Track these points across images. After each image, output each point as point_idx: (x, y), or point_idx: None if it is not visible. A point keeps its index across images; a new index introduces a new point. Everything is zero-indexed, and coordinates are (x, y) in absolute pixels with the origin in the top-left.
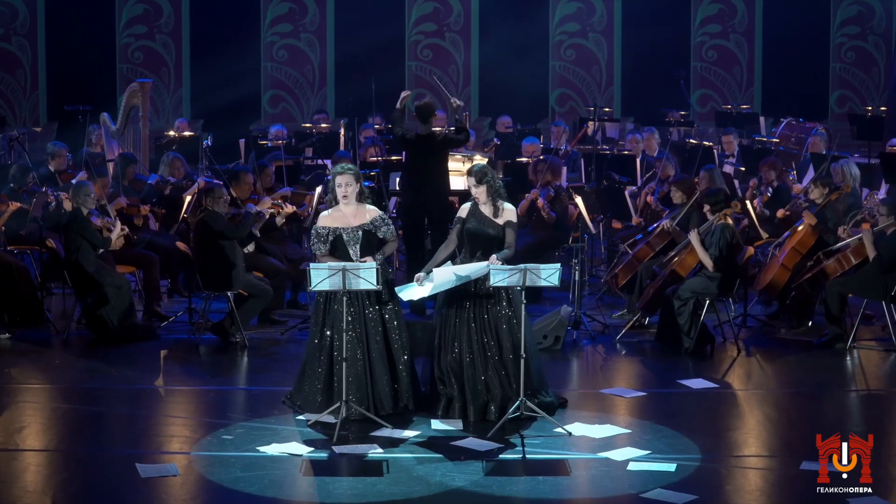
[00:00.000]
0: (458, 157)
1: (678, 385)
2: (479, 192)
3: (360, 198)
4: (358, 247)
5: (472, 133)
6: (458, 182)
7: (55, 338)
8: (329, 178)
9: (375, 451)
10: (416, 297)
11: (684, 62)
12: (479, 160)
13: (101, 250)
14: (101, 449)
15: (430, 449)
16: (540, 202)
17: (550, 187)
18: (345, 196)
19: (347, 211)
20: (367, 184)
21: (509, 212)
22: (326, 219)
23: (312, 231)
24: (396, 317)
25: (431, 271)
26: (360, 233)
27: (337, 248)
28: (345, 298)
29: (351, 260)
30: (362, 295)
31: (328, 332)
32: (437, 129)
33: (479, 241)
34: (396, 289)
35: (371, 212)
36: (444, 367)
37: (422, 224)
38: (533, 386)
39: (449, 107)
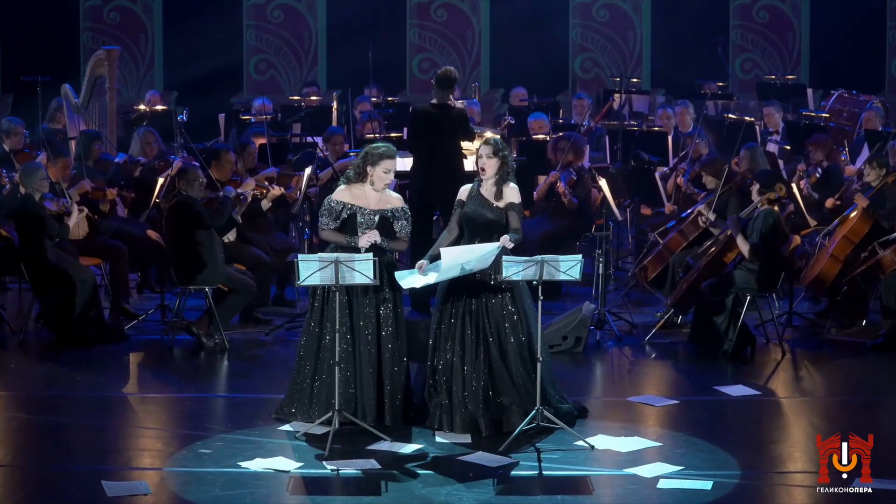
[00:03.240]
0: None
1: (715, 392)
2: (490, 165)
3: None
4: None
5: (478, 105)
6: (470, 164)
7: (10, 339)
8: (351, 155)
9: (373, 468)
10: (418, 285)
11: (722, 26)
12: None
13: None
14: (63, 464)
15: (434, 465)
16: (560, 187)
17: (572, 169)
18: (387, 183)
19: (371, 193)
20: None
21: (512, 192)
22: (344, 193)
23: (325, 202)
24: (395, 316)
25: (435, 259)
26: (377, 217)
27: (347, 227)
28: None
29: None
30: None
31: (316, 329)
32: (460, 102)
33: (477, 227)
34: (396, 274)
35: (395, 200)
36: (437, 374)
37: (431, 211)
38: (545, 392)
39: None
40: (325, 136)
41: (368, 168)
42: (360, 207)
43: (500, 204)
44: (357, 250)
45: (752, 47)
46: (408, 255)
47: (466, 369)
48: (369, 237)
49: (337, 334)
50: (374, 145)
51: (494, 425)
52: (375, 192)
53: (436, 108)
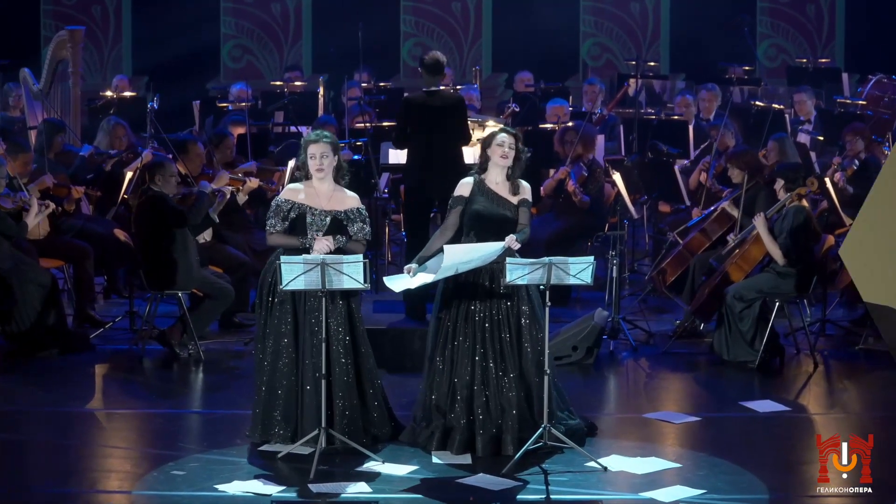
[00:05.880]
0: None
1: (740, 408)
2: (511, 156)
3: (338, 177)
4: (320, 235)
5: (477, 92)
6: (469, 156)
7: None
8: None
9: (362, 492)
10: (414, 286)
11: (749, 5)
12: (493, 127)
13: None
14: (22, 486)
15: (430, 489)
16: (570, 185)
17: (582, 163)
18: (319, 169)
19: (321, 189)
20: (354, 156)
21: (526, 189)
22: (292, 192)
23: (272, 203)
24: (351, 323)
25: (424, 264)
26: (329, 219)
27: (296, 228)
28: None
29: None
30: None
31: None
32: (455, 88)
33: (492, 226)
34: (385, 279)
35: (350, 200)
36: (444, 390)
37: (428, 207)
38: (551, 407)
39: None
40: (314, 125)
41: (307, 161)
42: (311, 207)
43: (515, 200)
44: (310, 252)
45: (780, 28)
46: (402, 256)
47: (485, 384)
48: (323, 246)
49: (324, 346)
50: (306, 134)
51: (513, 443)
52: (325, 188)
53: (431, 96)
